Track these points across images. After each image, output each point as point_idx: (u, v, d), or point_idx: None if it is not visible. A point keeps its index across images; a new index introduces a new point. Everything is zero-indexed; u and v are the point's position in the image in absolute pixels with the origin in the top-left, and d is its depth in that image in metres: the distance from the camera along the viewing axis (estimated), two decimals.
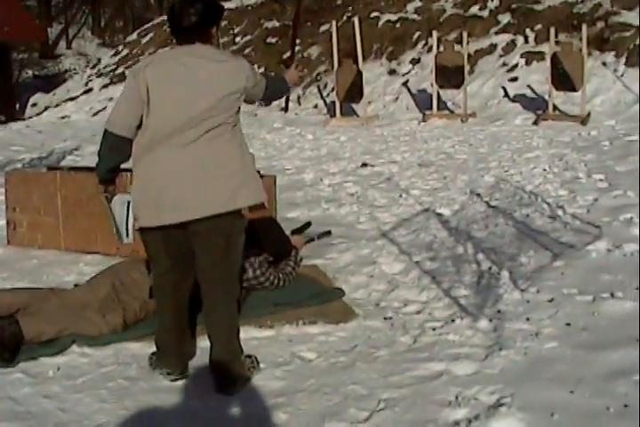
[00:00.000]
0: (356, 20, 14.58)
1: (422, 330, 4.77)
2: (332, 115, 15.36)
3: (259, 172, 6.67)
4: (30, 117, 20.87)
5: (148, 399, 4.13)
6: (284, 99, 16.61)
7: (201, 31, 4.04)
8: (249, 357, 4.43)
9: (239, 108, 4.07)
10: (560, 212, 7.04)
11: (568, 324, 4.58)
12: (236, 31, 20.29)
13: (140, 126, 4.01)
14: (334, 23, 14.92)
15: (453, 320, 4.83)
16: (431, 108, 14.18)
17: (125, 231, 4.44)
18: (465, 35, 13.81)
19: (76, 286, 5.62)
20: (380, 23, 17.51)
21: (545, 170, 8.93)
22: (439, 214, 7.44)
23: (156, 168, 3.97)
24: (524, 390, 3.83)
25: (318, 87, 17.20)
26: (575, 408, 3.61)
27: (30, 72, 29.64)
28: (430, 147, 11.52)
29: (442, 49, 14.24)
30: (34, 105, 22.45)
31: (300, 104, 17.03)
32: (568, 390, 3.78)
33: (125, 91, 4.05)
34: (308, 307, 5.17)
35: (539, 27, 14.79)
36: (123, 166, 4.24)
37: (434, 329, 4.76)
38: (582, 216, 6.83)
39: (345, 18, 17.47)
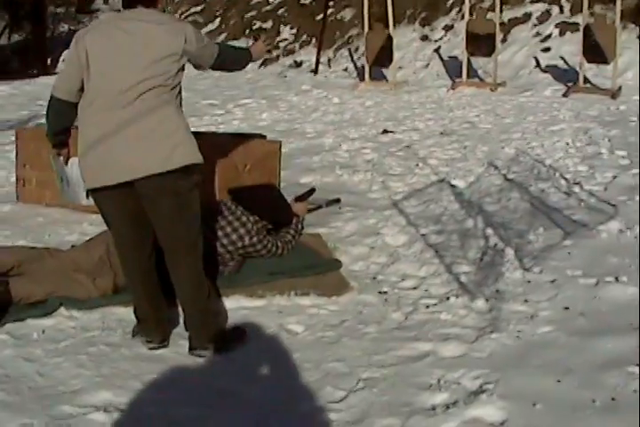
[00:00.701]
0: None
1: (415, 307, 4.63)
2: (361, 79, 15.12)
3: (263, 136, 6.60)
4: None
5: (126, 367, 4.05)
6: (313, 61, 16.57)
7: None
8: (235, 328, 4.35)
9: (179, 70, 4.00)
10: (577, 188, 6.83)
11: (566, 308, 4.41)
12: None
13: (82, 90, 4.05)
14: None
15: (448, 298, 4.68)
16: (461, 75, 13.89)
17: (85, 193, 4.37)
18: (498, 2, 13.46)
19: (73, 246, 5.55)
20: None
21: (567, 144, 8.68)
22: (453, 186, 7.25)
23: (95, 130, 3.94)
24: (510, 376, 3.68)
25: (349, 50, 16.93)
26: (559, 399, 3.45)
27: (66, 26, 29.52)
28: (455, 115, 11.28)
29: (474, 16, 13.90)
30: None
31: (330, 67, 16.78)
32: (555, 378, 3.62)
33: (67, 56, 4.14)
34: (302, 278, 5.04)
35: None
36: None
37: (427, 307, 4.61)
38: (599, 194, 6.61)
39: None
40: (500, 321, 4.29)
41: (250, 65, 14.20)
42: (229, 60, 4.36)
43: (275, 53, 17.97)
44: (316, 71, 16.62)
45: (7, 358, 4.14)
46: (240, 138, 6.26)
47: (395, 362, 3.95)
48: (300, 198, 5.92)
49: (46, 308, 4.67)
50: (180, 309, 4.31)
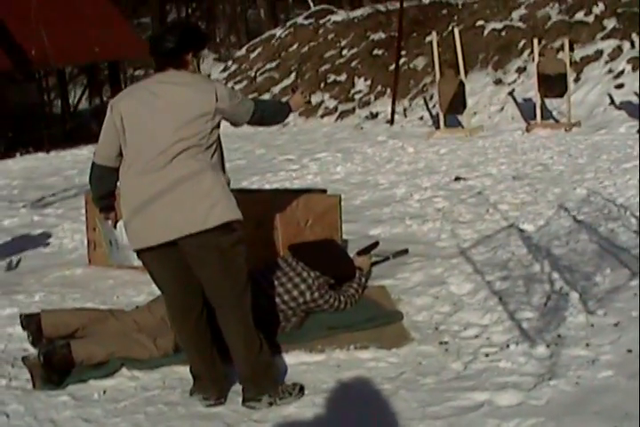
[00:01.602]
0: (456, 30, 14.33)
1: (475, 356, 4.56)
2: (437, 127, 15.14)
3: (324, 190, 6.65)
4: None
5: (181, 425, 4.08)
6: (389, 111, 16.64)
7: (175, 57, 4.12)
8: (294, 384, 4.35)
9: (213, 129, 4.08)
10: None
11: (629, 350, 4.29)
12: (342, 44, 20.23)
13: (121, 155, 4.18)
14: (434, 34, 14.72)
15: (508, 346, 4.60)
16: (535, 117, 13.80)
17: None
18: (566, 42, 13.38)
19: (137, 307, 5.65)
20: (486, 32, 17.18)
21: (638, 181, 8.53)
22: (522, 230, 7.17)
23: (134, 194, 4.06)
24: (566, 424, 3.61)
25: (424, 99, 16.99)
26: None
27: None
28: (529, 158, 11.20)
29: (544, 57, 13.85)
30: None
31: (406, 116, 16.86)
32: (612, 424, 3.53)
33: (105, 123, 4.23)
34: (362, 331, 5.03)
35: None
36: None
37: (487, 355, 4.54)
38: None
39: (450, 28, 17.18)
40: (559, 367, 4.21)
41: (326, 118, 14.60)
42: (267, 115, 4.43)
43: (351, 105, 18.12)
44: (391, 122, 16.69)
45: (66, 419, 4.21)
46: (300, 193, 6.31)
47: (449, 413, 3.90)
48: (362, 252, 5.94)
49: (108, 368, 4.74)
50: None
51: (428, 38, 16.90)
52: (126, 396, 4.46)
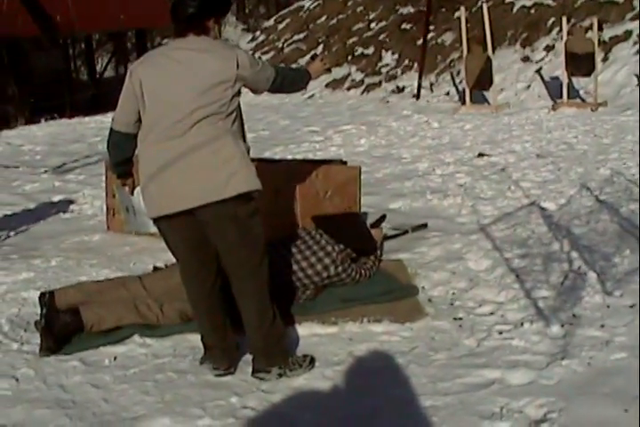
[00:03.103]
0: (484, 6, 14.19)
1: (489, 333, 4.52)
2: (463, 102, 15.02)
3: (344, 162, 6.59)
4: None
5: (189, 393, 4.07)
6: (415, 86, 16.52)
7: (195, 23, 4.03)
8: (304, 356, 4.33)
9: (234, 96, 4.01)
10: None
11: None
12: (371, 17, 20.06)
13: (140, 122, 4.12)
14: (463, 9, 14.58)
15: (522, 324, 4.56)
16: (562, 96, 13.66)
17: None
18: (595, 21, 13.21)
19: (155, 268, 5.70)
20: (515, 9, 16.97)
21: None
22: (543, 209, 7.10)
23: (152, 161, 4.00)
24: (576, 405, 3.56)
25: (451, 74, 16.85)
26: None
27: None
28: (553, 136, 11.10)
29: (573, 35, 13.68)
30: None
31: (432, 91, 16.74)
32: (623, 407, 3.49)
33: (124, 89, 4.16)
34: (376, 304, 5.00)
35: None
36: None
37: (500, 333, 4.50)
38: None
39: (479, 3, 16.99)
40: (572, 347, 4.16)
41: (352, 91, 14.48)
42: (287, 83, 4.35)
43: (377, 79, 18.01)
44: (417, 96, 16.59)
45: (75, 385, 4.23)
46: (320, 164, 6.25)
47: (460, 390, 3.87)
48: (374, 225, 5.90)
49: (119, 335, 4.75)
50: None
51: (456, 14, 16.69)
52: (136, 363, 4.47)
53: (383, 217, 6.15)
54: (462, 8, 14.71)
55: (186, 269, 4.22)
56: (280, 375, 4.16)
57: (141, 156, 4.10)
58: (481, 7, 14.57)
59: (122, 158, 4.36)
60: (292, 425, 3.72)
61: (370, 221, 6.37)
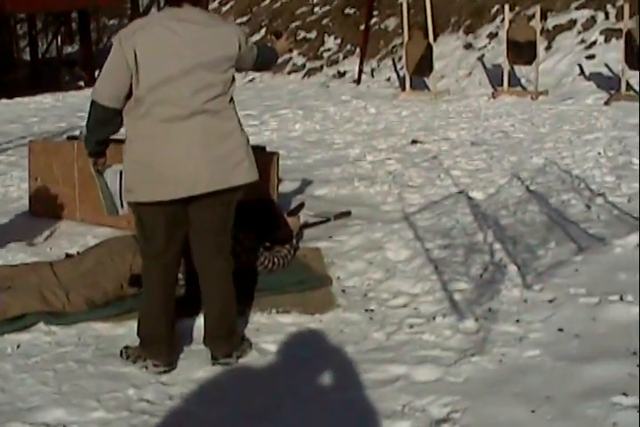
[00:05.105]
0: None
1: (399, 327, 4.33)
2: (403, 89, 14.87)
3: (263, 147, 6.36)
4: None
5: (86, 385, 3.87)
6: (356, 71, 16.34)
7: None
8: (249, 341, 4.24)
9: (233, 78, 3.85)
10: (600, 200, 6.48)
11: (560, 329, 4.08)
12: (315, 1, 19.84)
13: (128, 96, 3.74)
14: None
15: (435, 318, 4.37)
16: (502, 84, 13.56)
17: (121, 203, 4.23)
18: (538, 9, 13.11)
19: (67, 255, 5.50)
20: None
21: (599, 153, 8.33)
22: (471, 198, 6.94)
23: (152, 142, 3.74)
24: (481, 404, 3.38)
25: (393, 60, 16.70)
26: None
27: None
28: (491, 124, 10.98)
29: (514, 24, 13.59)
30: None
31: (373, 76, 16.59)
32: (530, 408, 3.32)
33: (111, 58, 3.75)
34: (288, 294, 4.80)
35: (620, 2, 13.92)
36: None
37: (411, 327, 4.31)
38: (621, 206, 6.25)
39: None
40: (484, 343, 3.98)
41: (293, 75, 14.39)
42: (265, 60, 4.20)
43: (319, 63, 17.80)
44: (358, 81, 16.43)
45: None
46: None
47: (363, 386, 3.67)
48: (291, 213, 5.70)
49: (24, 322, 4.54)
50: None
51: None
52: (39, 351, 4.26)
53: (301, 205, 5.96)
54: None
55: (154, 253, 3.96)
56: (238, 357, 4.05)
57: (136, 133, 3.78)
58: None
59: (105, 136, 3.95)
60: (188, 419, 3.54)
61: (305, 208, 6.19)
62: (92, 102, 3.80)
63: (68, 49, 25.73)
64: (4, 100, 17.12)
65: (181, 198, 3.78)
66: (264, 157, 5.93)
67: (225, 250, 4.01)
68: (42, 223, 6.74)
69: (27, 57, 24.32)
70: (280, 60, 14.83)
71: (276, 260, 5.16)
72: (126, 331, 4.38)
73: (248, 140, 3.93)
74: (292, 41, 4.65)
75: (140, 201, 3.84)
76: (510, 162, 8.34)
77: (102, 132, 3.92)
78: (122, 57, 3.68)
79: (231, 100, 3.84)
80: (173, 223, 3.88)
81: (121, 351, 4.14)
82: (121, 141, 3.89)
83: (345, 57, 17.63)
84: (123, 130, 3.90)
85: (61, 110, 14.86)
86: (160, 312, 3.99)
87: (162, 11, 3.86)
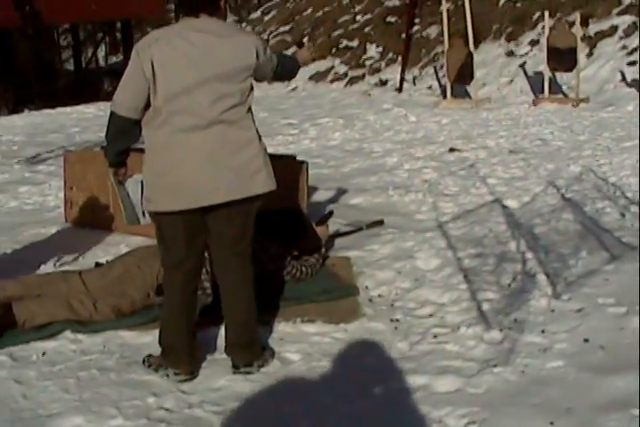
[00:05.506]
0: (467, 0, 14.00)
1: (423, 337, 4.30)
2: (444, 96, 14.82)
3: (294, 157, 6.37)
4: None
5: (107, 392, 3.88)
6: (398, 79, 16.30)
7: (210, 2, 3.79)
8: (271, 351, 4.25)
9: (251, 88, 3.85)
10: (635, 208, 6.39)
11: (586, 340, 4.02)
12: (356, 10, 19.83)
13: (147, 106, 3.78)
14: (444, 2, 14.37)
15: (459, 328, 4.33)
16: (543, 91, 13.45)
17: (143, 212, 4.26)
18: (578, 15, 12.99)
19: (97, 264, 5.52)
20: (501, 2, 16.75)
21: (637, 161, 8.21)
22: (505, 206, 6.88)
23: (171, 152, 3.76)
24: (500, 416, 3.34)
25: (435, 68, 16.63)
26: None
27: None
28: (530, 132, 10.89)
29: (555, 30, 13.47)
30: None
31: (415, 85, 16.53)
32: (549, 420, 3.27)
33: (129, 69, 3.79)
34: (314, 303, 4.79)
35: None
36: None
37: (435, 336, 4.28)
38: None
39: None
40: (507, 353, 3.94)
41: (335, 84, 14.36)
42: (286, 71, 4.20)
43: (361, 72, 17.80)
44: (400, 89, 16.40)
45: None
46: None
47: (381, 396, 3.66)
48: (320, 222, 5.69)
49: (50, 330, 4.57)
50: None
51: (442, 7, 16.46)
52: (64, 359, 4.29)
53: (330, 213, 5.95)
54: (443, 1, 14.47)
55: (175, 263, 3.97)
56: (260, 367, 4.06)
57: (154, 143, 3.82)
58: (464, 1, 14.32)
59: (125, 146, 3.98)
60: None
61: (335, 216, 6.19)
62: (111, 113, 3.83)
63: (113, 59, 26.01)
64: (47, 111, 17.31)
65: (200, 208, 3.79)
66: (294, 166, 5.94)
67: (244, 259, 4.01)
68: (76, 233, 6.82)
69: (70, 67, 24.65)
70: (323, 69, 14.96)
71: (303, 269, 5.16)
72: (152, 339, 4.38)
73: (266, 150, 3.93)
74: (314, 51, 4.64)
75: (158, 210, 3.86)
76: (547, 170, 8.27)
77: (121, 142, 3.95)
78: (139, 68, 3.71)
79: (249, 109, 3.84)
80: (193, 232, 3.89)
81: (143, 360, 4.16)
82: (142, 151, 3.92)
83: (387, 65, 17.60)
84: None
85: (103, 120, 14.73)
86: (180, 321, 4.01)
87: (179, 21, 3.87)
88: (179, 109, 3.71)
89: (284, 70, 4.17)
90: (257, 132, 3.88)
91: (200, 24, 3.76)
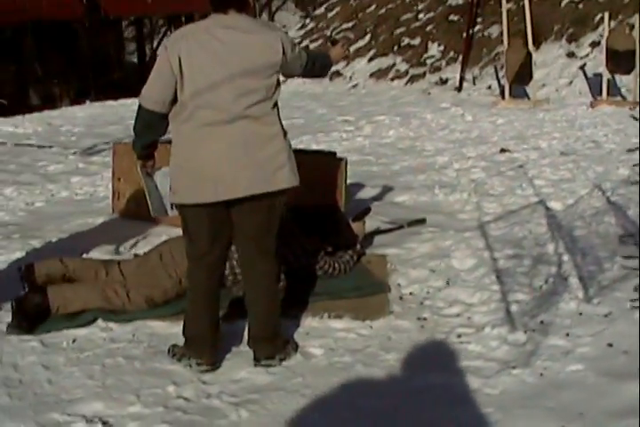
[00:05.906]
0: (526, 0, 13.87)
1: (447, 336, 4.31)
2: (503, 97, 14.71)
3: (334, 153, 6.39)
4: None
5: (129, 380, 3.98)
6: (458, 78, 16.23)
7: None
8: (295, 343, 4.30)
9: (278, 84, 3.90)
10: None
11: (610, 344, 4.00)
12: (419, 8, 19.74)
13: (174, 100, 3.85)
14: (504, 2, 14.26)
15: (484, 328, 4.33)
16: (601, 93, 13.29)
17: (170, 204, 4.31)
18: (638, 18, 12.80)
19: (135, 256, 5.62)
20: (563, 3, 16.56)
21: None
22: (548, 208, 6.83)
23: (196, 146, 3.82)
24: (512, 418, 3.35)
25: (495, 68, 16.49)
26: None
27: None
28: (584, 134, 10.75)
29: (614, 32, 13.29)
30: None
31: (475, 84, 16.42)
32: (560, 424, 3.27)
33: (157, 64, 3.88)
34: (343, 299, 4.82)
35: None
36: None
37: (459, 336, 4.29)
38: None
39: None
40: (528, 356, 3.94)
41: (396, 82, 14.28)
42: (317, 68, 4.22)
43: (422, 70, 17.74)
44: (459, 89, 16.31)
45: (28, 365, 4.16)
46: (307, 154, 6.06)
47: (397, 394, 3.67)
48: (356, 218, 5.71)
49: (82, 319, 4.67)
50: None
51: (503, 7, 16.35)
52: (93, 346, 4.38)
53: (367, 210, 5.95)
54: (504, 1, 14.36)
55: (200, 255, 4.04)
56: (281, 360, 4.10)
57: (180, 137, 3.89)
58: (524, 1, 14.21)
59: (152, 140, 4.07)
60: (218, 418, 3.59)
61: (374, 214, 6.21)
62: (139, 106, 3.91)
63: None
64: (109, 102, 17.54)
65: (223, 201, 3.84)
66: (333, 163, 5.97)
67: (269, 253, 4.04)
68: (122, 224, 6.92)
69: (134, 59, 24.91)
70: (384, 66, 14.90)
71: (336, 265, 5.19)
72: (180, 330, 4.42)
73: (290, 146, 3.96)
74: (347, 48, 4.68)
75: (183, 203, 3.93)
76: (596, 172, 8.18)
77: (148, 135, 4.04)
78: (167, 63, 3.79)
79: (274, 105, 3.88)
80: (217, 225, 3.94)
81: (168, 349, 4.23)
82: (171, 143, 3.99)
83: (448, 64, 17.51)
84: None
85: None
86: (204, 313, 4.07)
87: (208, 17, 3.92)
88: (204, 104, 3.76)
89: (315, 67, 4.19)
90: (282, 127, 3.92)
91: (228, 20, 3.81)
